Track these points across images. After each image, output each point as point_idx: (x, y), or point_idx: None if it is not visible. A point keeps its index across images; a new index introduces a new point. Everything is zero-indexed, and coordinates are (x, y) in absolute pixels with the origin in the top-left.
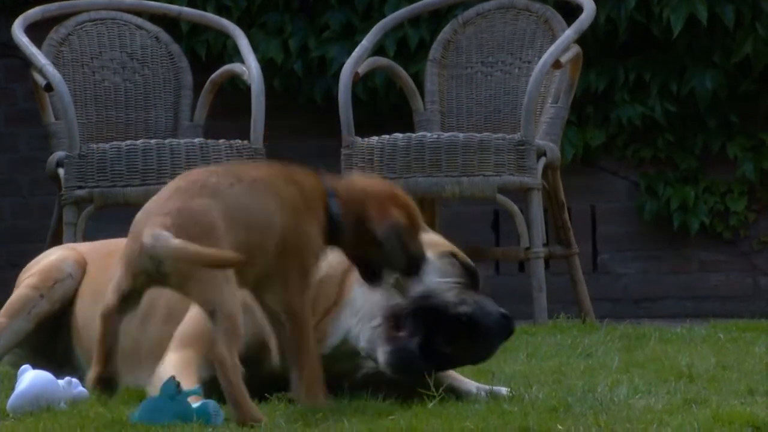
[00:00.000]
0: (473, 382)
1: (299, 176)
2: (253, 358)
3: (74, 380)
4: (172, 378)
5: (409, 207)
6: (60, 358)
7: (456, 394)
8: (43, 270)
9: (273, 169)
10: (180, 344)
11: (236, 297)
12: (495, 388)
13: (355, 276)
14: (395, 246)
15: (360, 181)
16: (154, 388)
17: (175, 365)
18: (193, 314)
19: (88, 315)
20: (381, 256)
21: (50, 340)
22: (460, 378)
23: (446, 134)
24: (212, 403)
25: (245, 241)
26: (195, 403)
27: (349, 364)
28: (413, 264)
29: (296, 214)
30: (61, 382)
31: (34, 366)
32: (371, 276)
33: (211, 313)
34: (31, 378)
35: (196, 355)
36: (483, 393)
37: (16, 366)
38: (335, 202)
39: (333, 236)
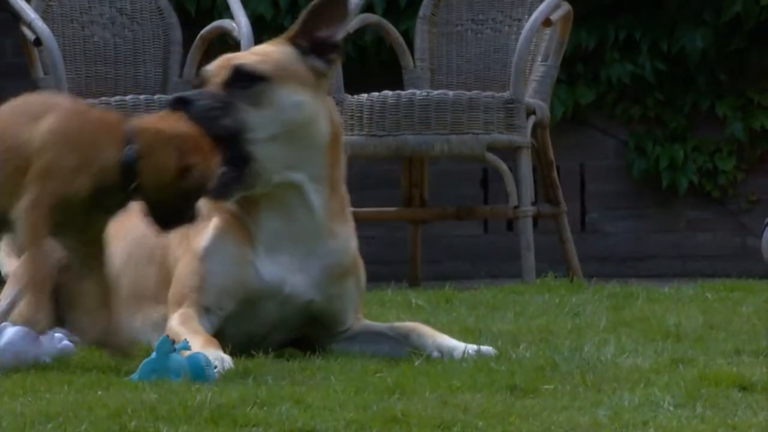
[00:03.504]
0: (461, 342)
1: (92, 115)
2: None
3: (57, 335)
4: (166, 337)
5: (208, 156)
6: None
7: (442, 352)
8: None
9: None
10: (175, 304)
11: None
12: (482, 347)
13: None
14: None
15: (167, 125)
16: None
17: (179, 322)
18: (177, 275)
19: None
20: (175, 206)
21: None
22: (446, 337)
23: (436, 92)
24: (202, 355)
25: None
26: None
27: None
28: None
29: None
30: (42, 337)
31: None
32: (162, 222)
33: None
34: (10, 334)
35: (190, 310)
36: (471, 351)
37: None
38: (132, 147)
39: (127, 179)
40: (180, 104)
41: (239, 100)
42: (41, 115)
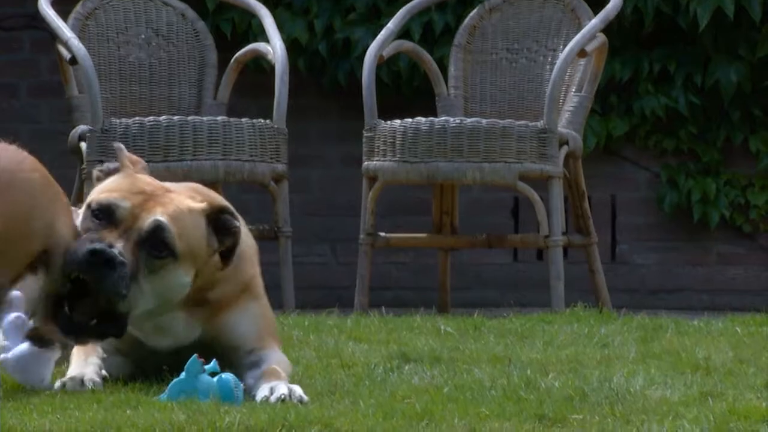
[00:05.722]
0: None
1: None
2: None
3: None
4: (196, 357)
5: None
6: None
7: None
8: None
9: None
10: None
11: None
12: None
13: None
14: None
15: None
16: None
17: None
18: None
19: None
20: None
21: None
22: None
23: (469, 119)
24: (232, 377)
25: None
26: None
27: None
28: None
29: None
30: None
31: None
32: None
33: None
34: (23, 350)
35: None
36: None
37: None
38: None
39: None
40: (94, 270)
41: (144, 264)
42: None
